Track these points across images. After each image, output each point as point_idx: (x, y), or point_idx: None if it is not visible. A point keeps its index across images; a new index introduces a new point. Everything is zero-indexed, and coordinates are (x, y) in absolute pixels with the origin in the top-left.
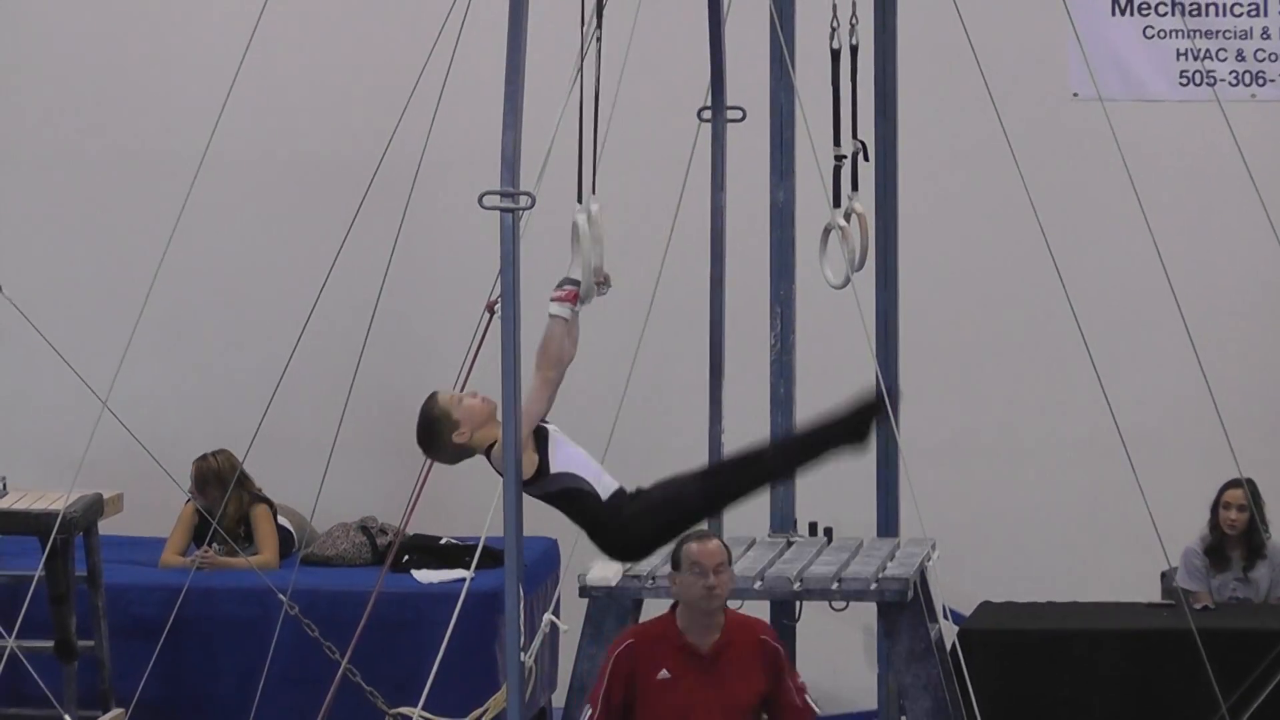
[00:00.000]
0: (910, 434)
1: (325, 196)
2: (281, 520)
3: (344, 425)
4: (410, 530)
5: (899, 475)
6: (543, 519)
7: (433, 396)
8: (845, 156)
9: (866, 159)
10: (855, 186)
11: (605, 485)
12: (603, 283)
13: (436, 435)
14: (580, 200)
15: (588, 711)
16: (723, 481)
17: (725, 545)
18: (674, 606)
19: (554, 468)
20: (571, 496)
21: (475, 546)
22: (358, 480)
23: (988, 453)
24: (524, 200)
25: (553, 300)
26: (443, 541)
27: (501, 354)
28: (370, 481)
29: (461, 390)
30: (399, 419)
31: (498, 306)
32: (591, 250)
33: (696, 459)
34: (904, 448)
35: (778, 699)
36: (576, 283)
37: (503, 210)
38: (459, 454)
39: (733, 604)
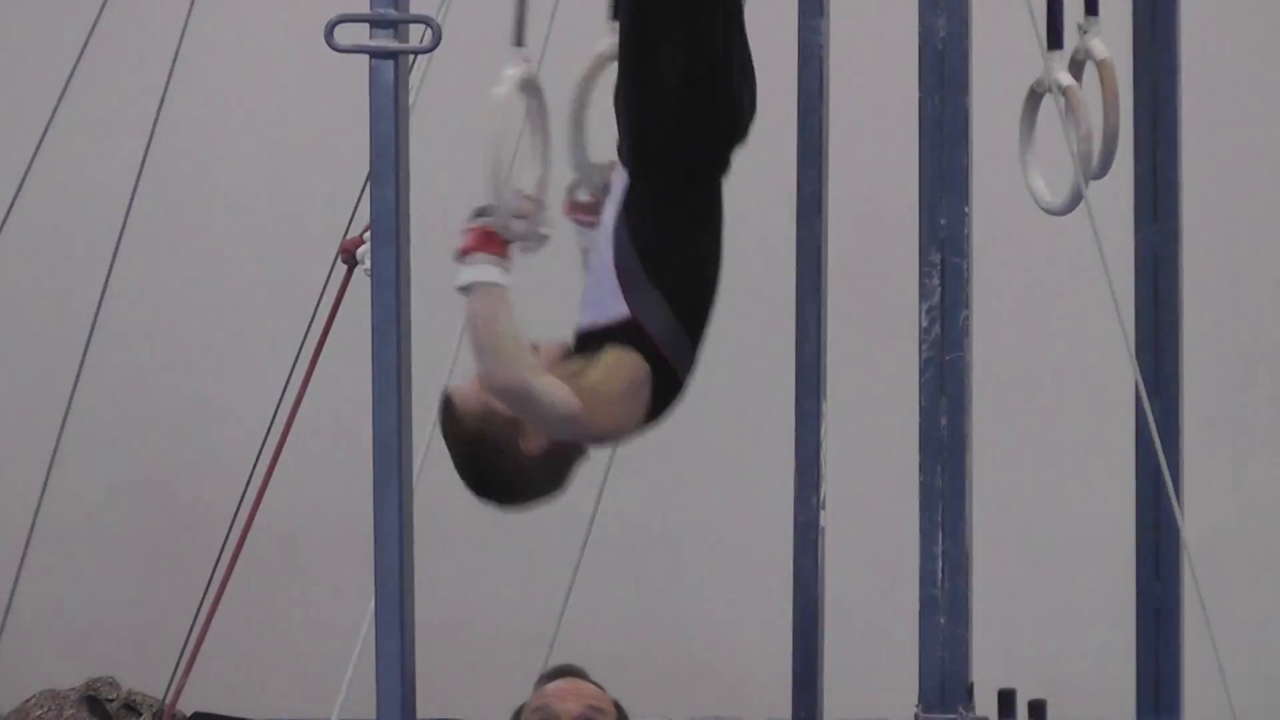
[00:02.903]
0: (1195, 512)
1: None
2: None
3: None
4: (187, 709)
5: (1181, 592)
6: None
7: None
8: None
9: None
10: (1093, 10)
11: None
12: (530, 215)
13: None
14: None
15: None
16: None
17: (603, 696)
18: None
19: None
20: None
21: None
22: (82, 599)
23: None
24: (419, 33)
25: (460, 255)
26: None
27: (372, 330)
28: (108, 603)
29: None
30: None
31: (365, 249)
32: (519, 151)
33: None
34: (1187, 534)
35: None
36: (491, 211)
37: (374, 53)
38: (555, 471)
39: None
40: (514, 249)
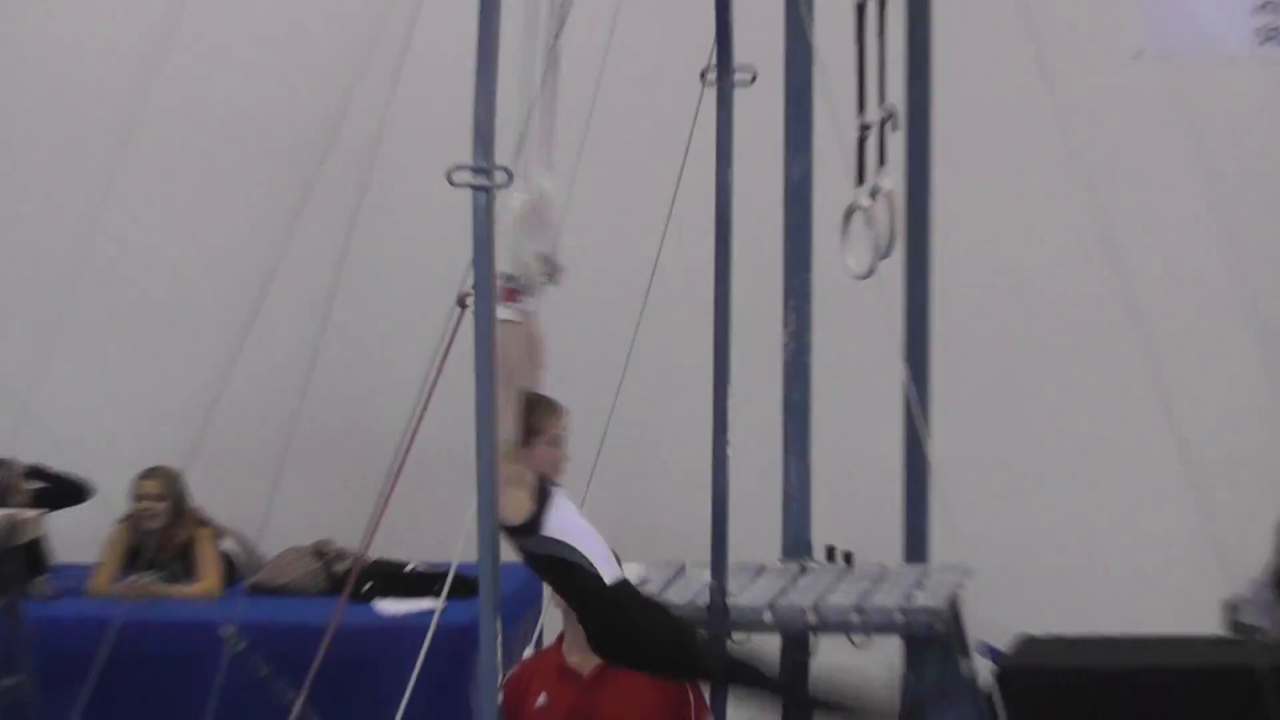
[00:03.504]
0: (942, 446)
1: (270, 176)
2: (225, 544)
3: (295, 436)
4: (371, 555)
5: (928, 493)
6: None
7: None
8: (871, 126)
9: (895, 129)
10: (883, 160)
11: (610, 572)
12: (550, 273)
13: None
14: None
15: None
16: (724, 666)
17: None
18: (562, 633)
19: (545, 529)
20: (562, 569)
21: (445, 574)
22: (311, 499)
23: (1030, 467)
24: (500, 177)
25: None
26: (409, 568)
27: (475, 353)
28: (326, 500)
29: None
30: (358, 428)
31: (470, 299)
32: (531, 236)
33: (697, 478)
34: (934, 461)
35: None
36: (511, 277)
37: (475, 188)
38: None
39: (740, 638)
40: (538, 290)
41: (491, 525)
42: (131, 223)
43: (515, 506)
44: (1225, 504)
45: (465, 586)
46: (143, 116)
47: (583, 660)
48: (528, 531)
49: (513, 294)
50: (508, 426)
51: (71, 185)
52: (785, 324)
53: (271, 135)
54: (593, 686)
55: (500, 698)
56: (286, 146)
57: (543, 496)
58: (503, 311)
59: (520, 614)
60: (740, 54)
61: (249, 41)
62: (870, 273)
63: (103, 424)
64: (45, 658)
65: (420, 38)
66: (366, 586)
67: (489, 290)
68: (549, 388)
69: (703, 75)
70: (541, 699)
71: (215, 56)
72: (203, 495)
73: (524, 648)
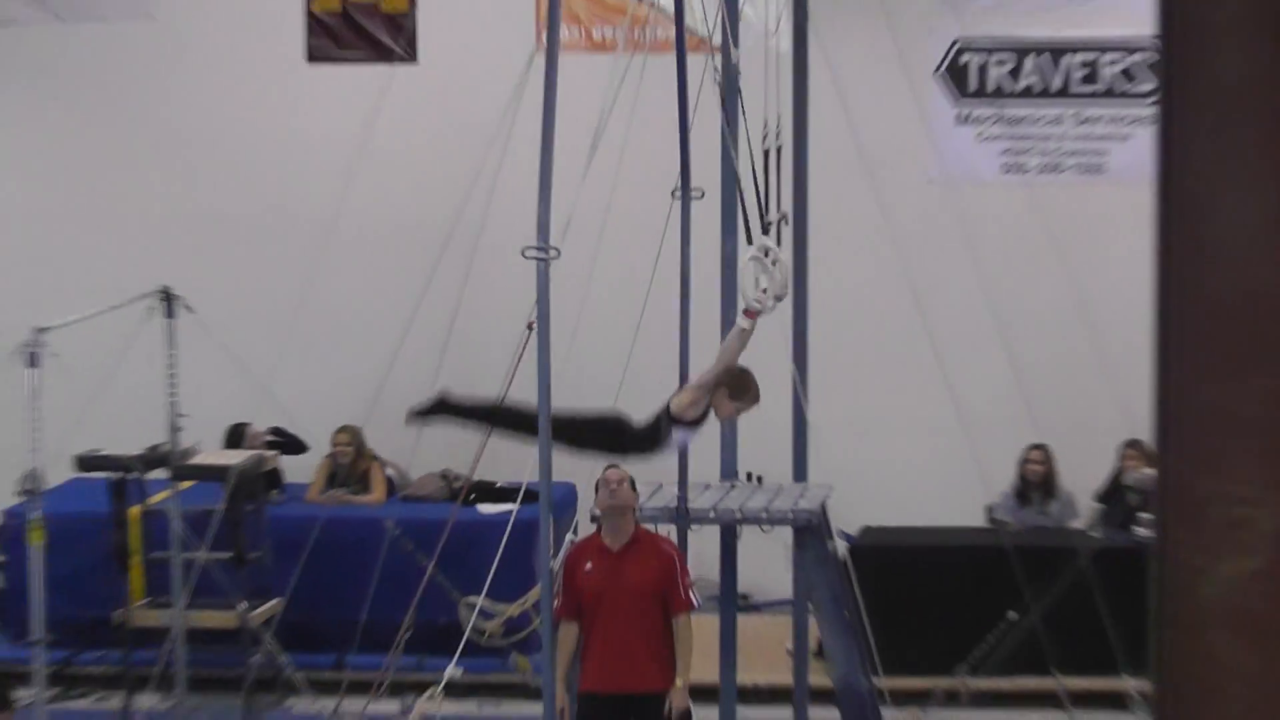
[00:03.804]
0: (816, 411)
1: (419, 245)
2: (388, 471)
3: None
4: (476, 477)
5: (807, 439)
6: (565, 471)
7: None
8: (772, 222)
9: (786, 224)
10: (779, 242)
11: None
12: (776, 298)
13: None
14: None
15: (557, 601)
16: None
17: (626, 473)
18: (599, 525)
19: (672, 432)
20: (652, 433)
21: (520, 488)
22: (440, 444)
23: (870, 424)
24: (553, 253)
25: (742, 315)
26: (498, 485)
27: (538, 360)
28: (448, 444)
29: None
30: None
31: (534, 324)
32: (762, 275)
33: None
34: (811, 421)
35: (670, 590)
36: (749, 305)
37: (538, 260)
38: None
39: (695, 528)
40: (767, 309)
41: (548, 461)
42: (336, 271)
43: (682, 408)
44: (986, 443)
45: (532, 496)
46: (345, 208)
47: (613, 541)
48: (671, 424)
49: (749, 313)
50: (715, 373)
51: (300, 248)
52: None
53: (419, 222)
54: (620, 557)
55: (559, 565)
56: (428, 229)
57: (685, 423)
58: (742, 322)
59: (563, 515)
60: (695, 180)
61: (407, 163)
62: (773, 309)
63: (314, 397)
64: (277, 540)
65: (507, 169)
66: (472, 496)
67: (546, 318)
68: (576, 386)
69: (673, 193)
70: (588, 566)
71: (389, 173)
72: (374, 440)
73: (566, 534)
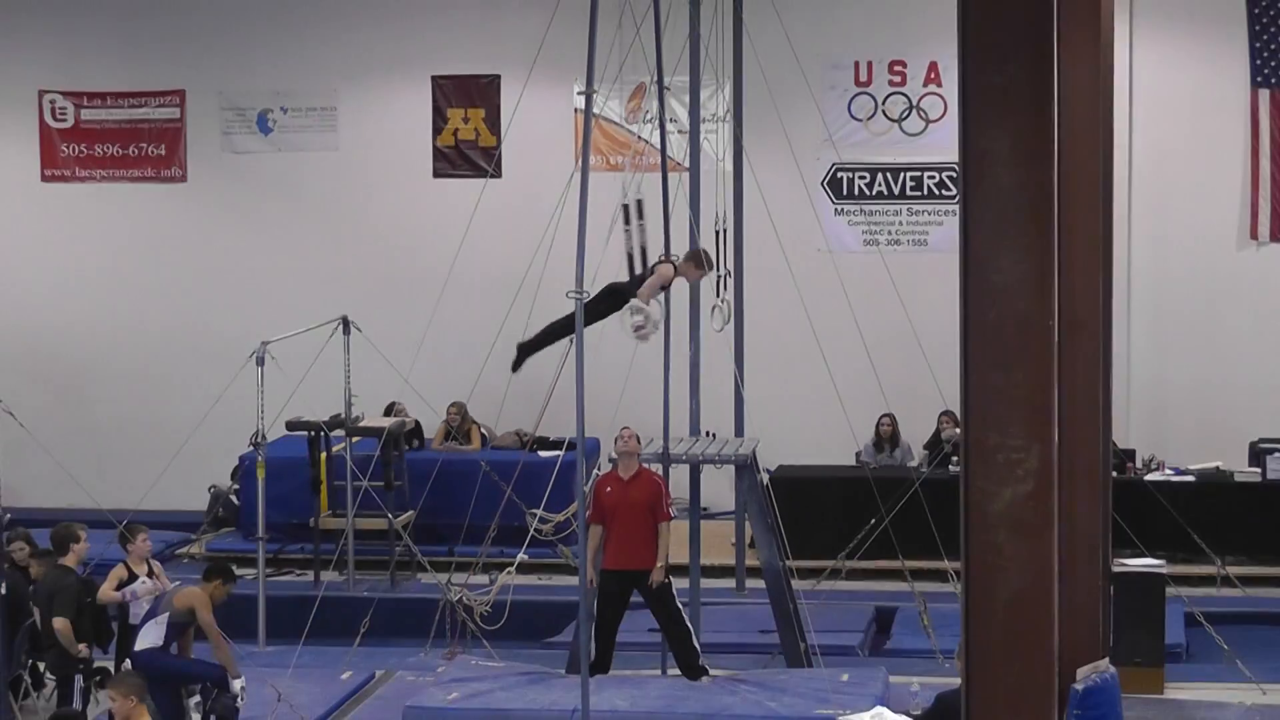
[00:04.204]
0: (749, 390)
1: (501, 290)
2: (482, 430)
3: (507, 388)
4: (538, 434)
5: (744, 407)
6: (594, 429)
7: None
8: (720, 276)
9: (729, 275)
10: (725, 289)
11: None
12: (647, 331)
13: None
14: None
15: (589, 511)
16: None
17: (635, 435)
18: (615, 464)
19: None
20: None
21: (565, 440)
22: (514, 411)
23: (783, 399)
24: (585, 294)
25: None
26: (552, 439)
27: (576, 358)
28: (519, 411)
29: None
30: (534, 384)
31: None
32: (637, 316)
33: (656, 395)
34: (745, 397)
35: (657, 506)
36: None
37: (576, 299)
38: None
39: (673, 466)
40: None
41: (582, 422)
42: (450, 304)
43: (644, 298)
44: (854, 411)
45: (573, 447)
46: (456, 265)
47: (624, 474)
48: (634, 285)
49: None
50: (651, 288)
51: (428, 290)
52: (690, 344)
53: (504, 273)
54: (628, 484)
55: (590, 489)
56: (509, 278)
57: (648, 288)
58: (636, 335)
59: (591, 458)
60: (674, 248)
61: (496, 236)
62: (722, 329)
63: (436, 384)
64: (411, 475)
65: (557, 241)
66: (534, 446)
67: (581, 335)
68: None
69: (659, 258)
70: (609, 489)
71: (485, 243)
72: (473, 410)
73: (594, 469)
